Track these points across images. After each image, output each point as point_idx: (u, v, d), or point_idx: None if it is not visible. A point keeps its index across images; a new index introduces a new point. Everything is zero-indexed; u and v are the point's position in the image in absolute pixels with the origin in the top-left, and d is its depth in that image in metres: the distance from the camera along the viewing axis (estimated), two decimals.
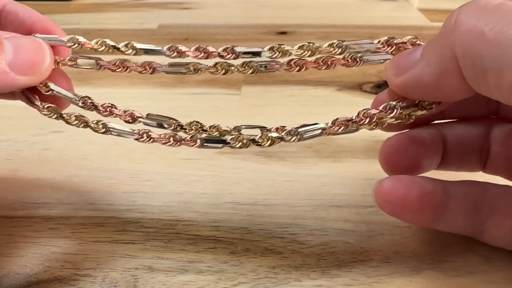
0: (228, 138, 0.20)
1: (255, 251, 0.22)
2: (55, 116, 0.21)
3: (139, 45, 0.20)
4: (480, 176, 0.22)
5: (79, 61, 0.21)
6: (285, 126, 0.20)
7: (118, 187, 0.26)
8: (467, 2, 0.16)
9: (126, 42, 0.20)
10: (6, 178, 0.26)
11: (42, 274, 0.20)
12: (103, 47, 0.21)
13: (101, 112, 0.21)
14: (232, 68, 0.20)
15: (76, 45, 0.21)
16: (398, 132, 0.21)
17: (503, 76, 0.14)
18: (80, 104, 0.21)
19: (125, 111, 0.21)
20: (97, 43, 0.21)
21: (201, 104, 0.34)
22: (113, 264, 0.21)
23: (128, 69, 0.21)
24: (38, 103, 0.21)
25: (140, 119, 0.21)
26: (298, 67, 0.20)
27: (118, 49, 0.20)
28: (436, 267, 0.21)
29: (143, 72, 0.21)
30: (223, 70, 0.20)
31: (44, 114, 0.21)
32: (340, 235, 0.22)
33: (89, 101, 0.21)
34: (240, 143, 0.20)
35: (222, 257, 0.21)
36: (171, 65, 0.20)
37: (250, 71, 0.20)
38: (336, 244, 0.22)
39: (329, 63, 0.20)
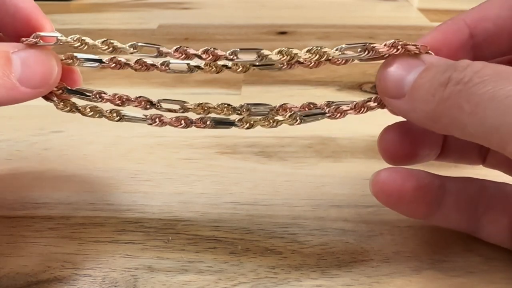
0: (236, 119, 0.21)
1: (255, 251, 0.22)
2: (71, 109, 0.21)
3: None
4: (480, 171, 0.22)
5: (78, 59, 0.21)
6: (287, 104, 0.21)
7: (118, 187, 0.26)
8: (455, 71, 0.16)
9: (104, 39, 0.20)
10: (6, 178, 0.26)
11: (42, 274, 0.20)
12: (83, 45, 0.21)
13: (119, 104, 0.21)
14: (224, 67, 0.21)
15: (80, 43, 0.21)
16: (398, 121, 0.21)
17: (490, 141, 0.15)
18: (99, 100, 0.21)
19: (138, 97, 0.21)
20: (73, 39, 0.21)
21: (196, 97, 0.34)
22: (113, 264, 0.21)
23: (123, 66, 0.21)
24: (54, 98, 0.21)
25: (153, 105, 0.21)
26: (289, 65, 0.20)
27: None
28: (436, 267, 0.21)
29: (139, 69, 0.21)
30: (215, 69, 0.21)
31: (60, 109, 0.21)
32: (340, 235, 0.22)
33: (104, 95, 0.21)
34: (248, 124, 0.21)
35: (222, 257, 0.21)
36: (166, 63, 0.21)
37: (243, 70, 0.20)
38: (336, 244, 0.22)
39: (316, 62, 0.20)
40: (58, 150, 0.29)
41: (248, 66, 0.20)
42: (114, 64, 0.21)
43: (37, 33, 0.20)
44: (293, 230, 0.23)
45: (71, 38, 0.20)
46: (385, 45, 0.19)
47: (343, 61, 0.20)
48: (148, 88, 0.36)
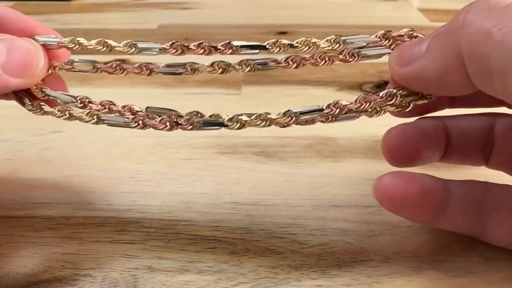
0: (225, 119, 0.20)
1: (255, 251, 0.22)
2: (41, 112, 0.21)
3: (141, 44, 0.20)
4: (483, 172, 0.22)
5: (76, 64, 0.21)
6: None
7: (118, 187, 0.26)
8: (476, 0, 0.16)
9: (127, 41, 0.20)
10: (6, 178, 0.26)
11: (42, 274, 0.20)
12: (104, 48, 0.21)
13: (100, 110, 0.21)
14: (230, 67, 0.20)
15: (77, 46, 0.21)
16: (402, 123, 0.21)
17: (509, 77, 0.14)
18: (79, 105, 0.21)
19: (124, 106, 0.21)
20: (98, 43, 0.21)
21: (201, 104, 0.34)
22: (113, 264, 0.21)
23: (125, 71, 0.21)
24: (26, 100, 0.21)
25: (139, 113, 0.21)
26: (295, 64, 0.20)
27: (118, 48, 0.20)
28: (436, 267, 0.21)
29: (141, 73, 0.21)
30: (221, 69, 0.20)
31: (28, 110, 0.21)
32: (340, 235, 0.22)
33: (87, 100, 0.21)
34: (238, 124, 0.20)
35: (222, 257, 0.21)
36: (168, 66, 0.20)
37: (248, 69, 0.20)
38: (336, 244, 0.22)
39: (326, 59, 0.20)
40: (58, 150, 0.29)
41: (254, 65, 0.20)
42: (116, 71, 0.21)
43: (56, 38, 0.20)
44: (293, 230, 0.23)
45: (95, 42, 0.20)
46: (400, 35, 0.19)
47: (352, 58, 0.20)
48: (148, 88, 0.36)
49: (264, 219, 0.23)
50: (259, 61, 0.20)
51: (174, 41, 0.20)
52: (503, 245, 0.21)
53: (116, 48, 0.20)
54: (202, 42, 0.20)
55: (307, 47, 0.19)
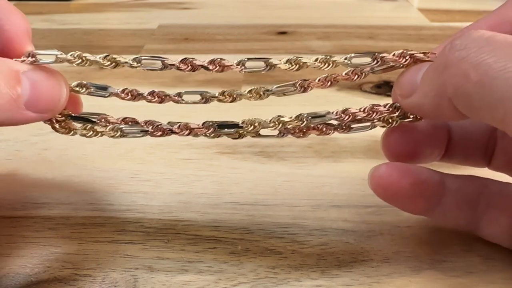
0: (240, 122, 0.21)
1: (255, 251, 0.22)
2: (71, 132, 0.21)
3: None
4: (485, 171, 0.22)
5: (93, 90, 0.21)
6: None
7: (118, 187, 0.26)
8: (462, 33, 0.16)
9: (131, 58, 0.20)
10: (6, 178, 0.26)
11: (42, 274, 0.20)
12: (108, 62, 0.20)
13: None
14: (240, 96, 0.21)
15: (81, 60, 0.20)
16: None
17: (495, 113, 0.15)
18: (102, 123, 0.21)
19: (146, 122, 0.21)
20: (73, 56, 0.20)
21: (201, 104, 0.34)
22: (113, 264, 0.21)
23: (137, 98, 0.21)
24: (56, 125, 0.21)
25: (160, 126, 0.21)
26: (303, 88, 0.21)
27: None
28: (436, 267, 0.21)
29: (153, 101, 0.21)
30: (231, 98, 0.21)
31: (61, 133, 0.21)
32: (340, 235, 0.22)
33: (108, 117, 0.21)
34: (252, 126, 0.21)
35: (222, 257, 0.21)
36: (180, 94, 0.21)
37: (257, 97, 0.21)
38: (336, 244, 0.22)
39: (332, 80, 0.20)
40: (58, 150, 0.29)
41: (262, 92, 0.20)
42: (127, 96, 0.21)
43: (33, 51, 0.19)
44: (293, 230, 0.23)
45: (70, 55, 0.20)
46: (393, 55, 0.19)
47: (356, 77, 0.20)
48: (148, 88, 0.36)
49: (264, 219, 0.23)
50: (269, 88, 0.21)
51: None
52: (496, 241, 0.21)
53: (121, 62, 0.20)
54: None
55: (296, 66, 0.20)
